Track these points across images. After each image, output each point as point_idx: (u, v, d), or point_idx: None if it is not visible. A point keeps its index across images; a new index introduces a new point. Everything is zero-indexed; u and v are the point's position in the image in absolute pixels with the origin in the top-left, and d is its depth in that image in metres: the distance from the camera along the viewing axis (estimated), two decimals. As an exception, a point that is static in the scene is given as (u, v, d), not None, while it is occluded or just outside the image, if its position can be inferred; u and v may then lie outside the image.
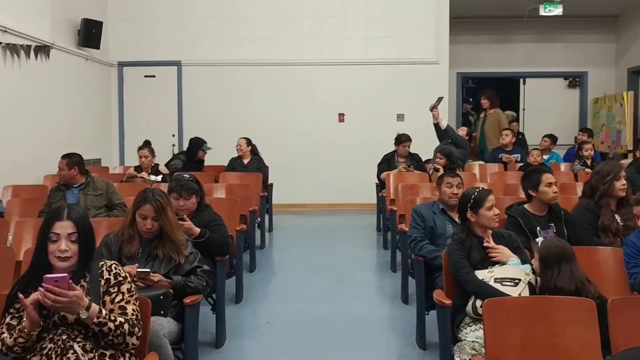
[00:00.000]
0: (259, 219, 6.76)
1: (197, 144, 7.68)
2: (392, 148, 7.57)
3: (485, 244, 3.29)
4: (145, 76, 9.79)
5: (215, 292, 3.96)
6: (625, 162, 6.97)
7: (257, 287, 5.46)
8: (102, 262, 2.50)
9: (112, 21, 9.54)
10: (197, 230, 3.81)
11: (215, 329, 4.05)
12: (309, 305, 4.93)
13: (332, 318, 4.60)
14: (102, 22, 8.84)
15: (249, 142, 7.78)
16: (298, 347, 4.06)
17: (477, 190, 3.45)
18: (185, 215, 3.85)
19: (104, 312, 2.30)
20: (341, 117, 9.72)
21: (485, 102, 9.17)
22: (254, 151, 7.83)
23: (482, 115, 9.31)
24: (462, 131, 8.35)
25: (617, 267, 3.36)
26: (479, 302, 2.95)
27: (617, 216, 3.93)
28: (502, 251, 3.26)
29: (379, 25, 9.56)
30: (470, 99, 11.08)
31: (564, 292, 2.78)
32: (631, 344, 1.78)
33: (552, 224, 3.90)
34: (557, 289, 2.80)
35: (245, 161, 7.70)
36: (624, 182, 3.97)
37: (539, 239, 3.28)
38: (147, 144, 7.27)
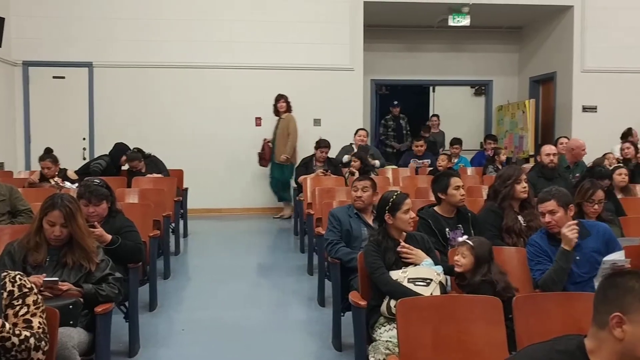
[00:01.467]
0: (173, 225, 6.63)
1: (122, 150, 7.47)
2: (310, 152, 7.64)
3: (400, 249, 3.37)
4: (54, 77, 9.36)
5: (128, 300, 3.85)
6: (527, 166, 7.38)
7: (172, 294, 5.35)
8: (5, 273, 2.38)
9: (16, 18, 9.07)
10: (109, 237, 3.70)
11: (128, 338, 3.93)
12: (224, 311, 4.88)
13: (249, 323, 4.58)
14: (3, 19, 8.38)
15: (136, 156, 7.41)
16: (214, 354, 4.02)
17: (396, 193, 3.53)
18: (95, 222, 3.72)
19: (7, 326, 2.18)
20: (258, 121, 9.70)
21: (282, 106, 8.89)
22: (144, 155, 7.53)
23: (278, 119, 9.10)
24: (360, 137, 8.42)
25: (520, 266, 3.54)
26: (393, 302, 3.04)
27: (520, 217, 4.16)
28: (416, 254, 3.36)
29: (295, 31, 9.63)
30: (396, 102, 11.30)
31: (496, 286, 3.05)
32: (535, 339, 1.88)
33: (460, 225, 4.08)
34: (490, 282, 3.07)
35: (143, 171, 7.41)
36: (525, 185, 4.21)
37: (462, 238, 3.39)
38: (48, 152, 6.86)
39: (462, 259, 3.20)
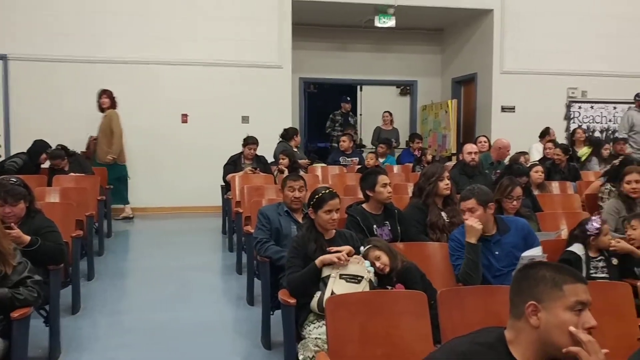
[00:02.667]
0: (96, 224, 6.42)
1: (42, 147, 7.16)
2: (238, 150, 7.58)
3: (329, 249, 3.36)
4: (-37, 69, 8.85)
5: (49, 304, 3.71)
6: (450, 164, 7.63)
7: (96, 296, 5.19)
8: None
9: None
10: (27, 238, 3.54)
11: (48, 343, 3.78)
12: (151, 312, 4.78)
13: (177, 324, 4.50)
14: None
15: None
16: (141, 357, 3.93)
17: (323, 192, 3.51)
18: (12, 223, 3.56)
19: None
20: (184, 118, 9.54)
21: (104, 102, 8.38)
22: (68, 153, 7.25)
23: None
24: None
25: (444, 261, 3.66)
26: (327, 295, 3.04)
27: (443, 213, 4.30)
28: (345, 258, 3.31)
29: (224, 27, 9.51)
30: (348, 98, 11.34)
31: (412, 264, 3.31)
32: (458, 332, 1.95)
33: (387, 222, 4.17)
34: (409, 263, 3.30)
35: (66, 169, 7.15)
36: (447, 182, 4.36)
37: (362, 249, 3.42)
38: None
39: (382, 259, 3.27)
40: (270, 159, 7.93)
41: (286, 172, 6.64)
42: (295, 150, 7.70)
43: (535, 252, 3.43)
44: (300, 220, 4.27)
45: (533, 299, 1.71)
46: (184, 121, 9.54)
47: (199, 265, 6.30)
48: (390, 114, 10.99)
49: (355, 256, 3.29)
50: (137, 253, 6.94)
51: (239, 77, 9.59)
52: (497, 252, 3.54)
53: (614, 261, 3.69)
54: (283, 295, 3.29)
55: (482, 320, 2.50)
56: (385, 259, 3.27)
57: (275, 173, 7.16)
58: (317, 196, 3.47)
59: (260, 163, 7.50)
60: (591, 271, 3.63)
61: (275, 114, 9.53)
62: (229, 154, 7.62)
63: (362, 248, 3.42)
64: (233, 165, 7.44)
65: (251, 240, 4.56)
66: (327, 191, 3.53)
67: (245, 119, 9.64)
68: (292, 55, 9.85)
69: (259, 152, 7.58)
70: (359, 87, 12.57)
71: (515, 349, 1.73)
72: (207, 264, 6.46)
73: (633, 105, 9.51)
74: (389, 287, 3.20)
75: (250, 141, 7.50)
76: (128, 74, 9.23)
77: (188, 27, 9.41)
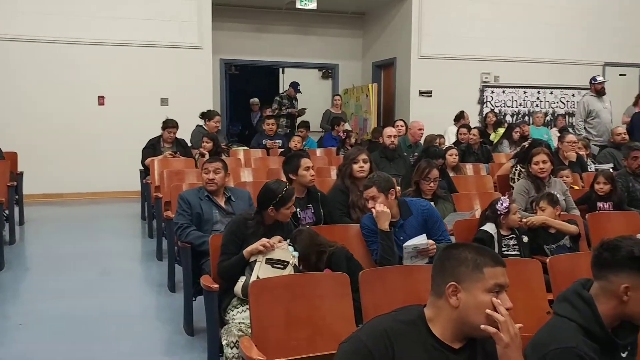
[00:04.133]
0: (7, 212, 6.12)
1: None
2: (157, 133, 7.40)
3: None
4: None
5: (-45, 297, 3.51)
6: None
7: (7, 286, 4.96)
8: None
9: None
10: None
11: (-46, 339, 3.59)
12: (67, 302, 4.61)
13: (95, 313, 4.38)
14: None
15: None
16: (58, 348, 3.79)
17: (285, 189, 3.42)
18: None
19: None
20: (101, 100, 9.19)
21: None
22: None
23: None
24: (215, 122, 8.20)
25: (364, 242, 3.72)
26: (252, 280, 3.02)
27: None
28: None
29: (141, 6, 9.22)
30: (297, 84, 11.14)
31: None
32: (380, 311, 2.00)
33: (310, 205, 4.21)
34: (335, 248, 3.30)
35: None
36: (362, 164, 4.43)
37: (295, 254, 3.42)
38: None
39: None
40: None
41: (207, 156, 6.54)
42: (168, 146, 7.43)
43: (418, 241, 3.48)
44: (222, 204, 4.23)
45: (454, 280, 1.76)
46: (101, 103, 9.21)
47: (118, 252, 6.13)
48: (341, 97, 11.06)
49: (281, 242, 3.29)
50: (52, 241, 6.66)
51: (158, 58, 9.34)
52: (401, 237, 3.58)
53: (525, 239, 3.90)
54: (205, 281, 3.26)
55: (403, 299, 2.58)
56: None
57: (196, 157, 7.05)
58: (280, 195, 3.38)
59: (180, 146, 7.34)
60: (503, 249, 3.81)
61: (195, 96, 9.36)
62: (148, 137, 7.42)
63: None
64: (152, 149, 7.24)
65: (171, 226, 4.48)
66: (287, 188, 3.47)
67: (164, 101, 9.41)
68: (212, 36, 9.68)
69: (179, 135, 7.41)
70: (281, 69, 12.51)
71: (434, 327, 1.78)
72: (126, 250, 6.30)
73: (588, 91, 8.81)
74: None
75: (169, 124, 7.32)
76: (37, 54, 8.78)
77: (104, 5, 9.05)
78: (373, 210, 3.58)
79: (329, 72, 12.62)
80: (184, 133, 7.68)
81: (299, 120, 10.36)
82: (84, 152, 9.05)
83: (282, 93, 11.02)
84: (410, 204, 3.79)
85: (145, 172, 7.11)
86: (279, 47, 11.78)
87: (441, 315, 1.78)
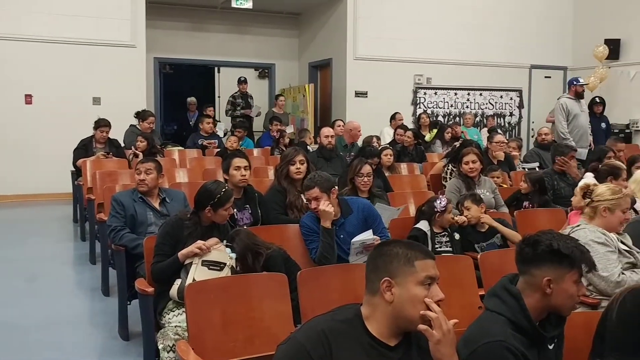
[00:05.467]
0: None
1: None
2: (89, 133, 7.18)
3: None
4: None
5: None
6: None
7: None
8: None
9: None
10: None
11: None
12: (-5, 309, 4.43)
13: (25, 320, 4.22)
14: None
15: None
16: (-16, 357, 3.64)
17: (223, 190, 3.38)
18: None
19: None
20: (28, 99, 8.84)
21: None
22: None
23: None
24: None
25: (303, 242, 3.72)
26: (188, 282, 2.99)
27: (302, 195, 4.39)
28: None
29: (71, 2, 8.92)
30: (243, 78, 10.90)
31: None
32: (318, 311, 2.01)
33: (247, 206, 4.20)
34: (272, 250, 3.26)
35: None
36: (299, 166, 4.45)
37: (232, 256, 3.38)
38: None
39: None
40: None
41: (141, 156, 6.41)
42: (101, 146, 7.26)
43: (365, 237, 3.55)
44: (156, 205, 4.16)
45: (387, 275, 1.80)
46: (28, 102, 8.86)
47: (49, 256, 5.93)
48: (285, 98, 11.00)
49: (217, 244, 3.27)
50: (-24, 246, 6.37)
51: (90, 56, 9.07)
52: (342, 236, 3.65)
53: (457, 236, 4.02)
54: (140, 284, 3.20)
55: (341, 298, 2.63)
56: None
57: (130, 157, 6.89)
58: (218, 196, 3.33)
59: (113, 147, 7.16)
60: (436, 246, 3.93)
61: (129, 95, 9.14)
62: (79, 137, 7.19)
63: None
64: (84, 149, 7.03)
65: (105, 229, 4.37)
66: (226, 188, 3.43)
67: (96, 101, 9.16)
68: (146, 35, 9.48)
69: (111, 135, 7.23)
70: (216, 68, 12.39)
71: (370, 324, 1.81)
72: (57, 254, 6.11)
73: (565, 93, 8.25)
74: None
75: (102, 123, 7.12)
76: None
77: (34, 0, 8.70)
78: (318, 210, 3.59)
79: (265, 71, 12.59)
80: (117, 133, 7.50)
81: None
82: (12, 152, 8.69)
83: (235, 92, 10.83)
84: (351, 202, 3.85)
85: (77, 173, 6.90)
86: (215, 46, 11.66)
87: (377, 312, 1.81)
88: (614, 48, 10.79)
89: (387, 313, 1.80)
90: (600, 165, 5.09)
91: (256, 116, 10.63)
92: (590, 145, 7.72)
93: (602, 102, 9.79)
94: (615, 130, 10.41)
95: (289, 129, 9.64)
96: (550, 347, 2.04)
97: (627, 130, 11.04)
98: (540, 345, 2.01)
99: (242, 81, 10.78)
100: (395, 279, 1.79)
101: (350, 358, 1.76)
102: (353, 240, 3.53)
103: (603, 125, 9.18)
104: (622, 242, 3.16)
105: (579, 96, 7.90)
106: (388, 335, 1.81)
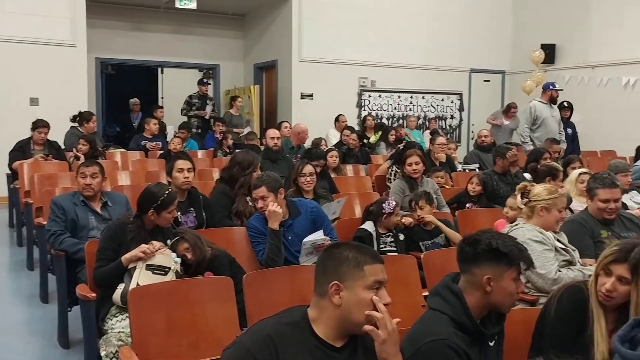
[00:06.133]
0: None
1: None
2: (27, 134, 6.93)
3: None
4: None
5: None
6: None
7: None
8: None
9: None
10: None
11: None
12: None
13: (-43, 330, 4.05)
14: None
15: None
16: None
17: (167, 192, 3.31)
18: None
19: None
20: (-42, 99, 8.47)
21: None
22: None
23: None
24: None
25: (249, 245, 3.70)
26: (131, 287, 2.93)
27: (250, 201, 4.35)
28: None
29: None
30: (206, 80, 10.64)
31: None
32: (265, 314, 2.00)
33: (191, 209, 4.15)
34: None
35: None
36: (260, 172, 4.40)
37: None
38: None
39: (190, 252, 3.27)
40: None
41: (82, 159, 6.24)
42: (39, 148, 7.04)
43: (316, 237, 3.57)
44: (98, 209, 4.06)
45: (337, 279, 1.80)
46: (-42, 102, 8.48)
47: (-18, 263, 5.71)
48: (242, 100, 10.86)
49: (162, 247, 3.22)
50: None
51: (27, 55, 8.75)
52: (290, 237, 3.66)
53: (401, 237, 4.10)
54: (82, 290, 3.12)
55: (288, 300, 2.63)
56: (191, 257, 3.24)
57: (70, 159, 6.69)
58: (161, 199, 3.25)
59: (52, 149, 6.93)
60: (381, 246, 3.99)
61: (69, 96, 8.86)
62: (16, 139, 6.94)
63: (168, 241, 3.33)
64: (21, 151, 6.77)
65: (44, 233, 4.24)
66: (169, 191, 3.35)
67: (34, 101, 8.85)
68: (87, 34, 9.23)
69: (51, 136, 6.99)
70: (160, 69, 12.18)
71: (317, 327, 1.82)
72: (-8, 261, 5.88)
73: (537, 97, 8.24)
74: (200, 277, 3.19)
75: (40, 124, 6.87)
76: None
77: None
78: (267, 210, 3.58)
79: (209, 72, 12.46)
80: (57, 135, 7.26)
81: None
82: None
83: (193, 93, 10.58)
84: (299, 204, 3.86)
85: (13, 176, 6.65)
86: (158, 46, 11.47)
87: (324, 315, 1.82)
88: (549, 53, 11.17)
89: (334, 316, 1.81)
90: (538, 166, 5.28)
91: (211, 117, 10.37)
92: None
93: (570, 107, 9.34)
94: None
95: (247, 130, 9.55)
96: (491, 344, 2.10)
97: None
98: (481, 343, 2.06)
99: (202, 83, 10.69)
100: (344, 283, 1.80)
101: (296, 361, 1.76)
102: (304, 240, 3.54)
103: (569, 130, 8.80)
104: (559, 241, 3.28)
105: (552, 101, 7.97)
106: (334, 337, 1.82)
